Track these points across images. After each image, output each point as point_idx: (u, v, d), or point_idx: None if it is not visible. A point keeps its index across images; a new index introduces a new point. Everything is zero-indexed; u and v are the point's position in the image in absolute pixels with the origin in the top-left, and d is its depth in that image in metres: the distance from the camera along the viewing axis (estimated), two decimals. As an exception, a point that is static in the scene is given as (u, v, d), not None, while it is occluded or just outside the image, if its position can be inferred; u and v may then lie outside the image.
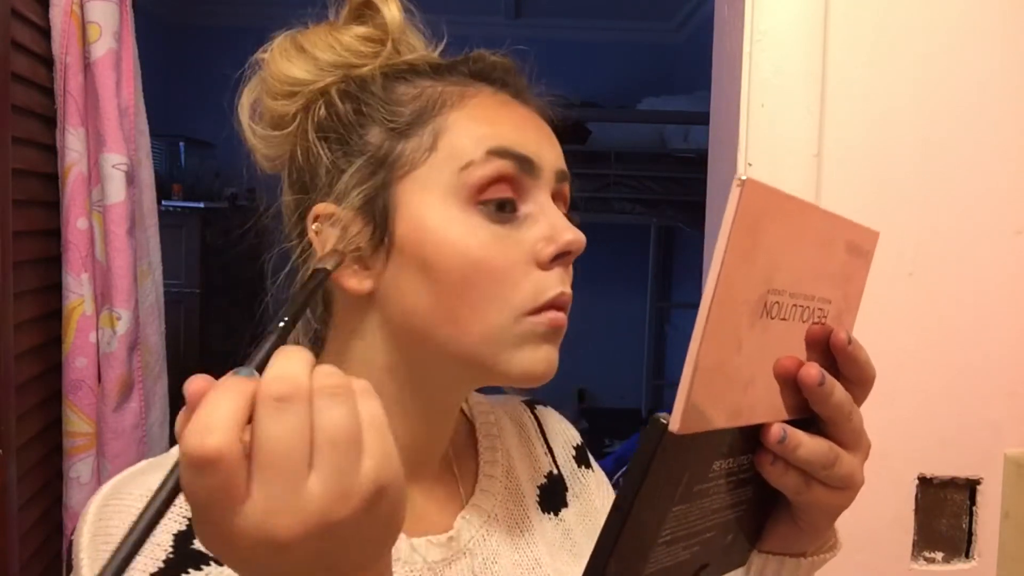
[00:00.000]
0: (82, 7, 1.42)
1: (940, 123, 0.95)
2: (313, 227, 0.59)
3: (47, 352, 1.45)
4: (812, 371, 0.48)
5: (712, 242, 1.05)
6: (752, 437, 0.48)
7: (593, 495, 0.75)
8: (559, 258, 0.57)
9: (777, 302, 0.46)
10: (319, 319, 0.65)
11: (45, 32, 1.41)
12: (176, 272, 2.89)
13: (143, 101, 1.57)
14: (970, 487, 0.98)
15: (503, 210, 0.57)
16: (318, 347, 0.64)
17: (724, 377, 0.43)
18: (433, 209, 0.57)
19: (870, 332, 0.96)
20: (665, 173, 3.39)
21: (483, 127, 0.58)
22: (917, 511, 0.98)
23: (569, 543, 0.70)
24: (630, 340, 4.19)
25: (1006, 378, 0.97)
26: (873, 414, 0.96)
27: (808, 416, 0.50)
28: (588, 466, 0.76)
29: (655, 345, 4.20)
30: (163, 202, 2.81)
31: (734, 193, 0.41)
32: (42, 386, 1.44)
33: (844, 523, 0.92)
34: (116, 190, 1.43)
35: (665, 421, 0.42)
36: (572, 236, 0.57)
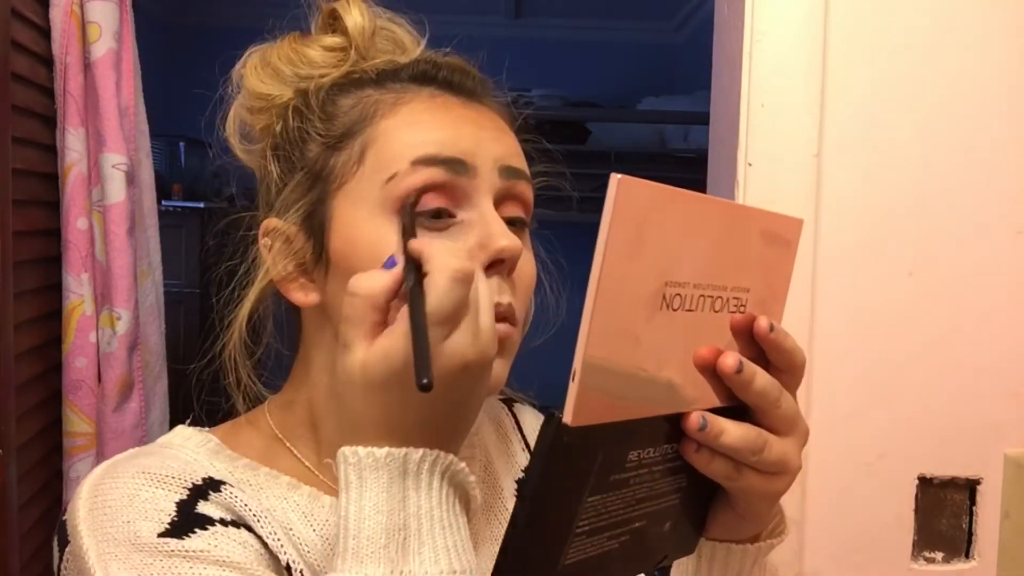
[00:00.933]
0: (82, 7, 1.42)
1: (939, 123, 0.95)
2: (263, 241, 0.60)
3: (47, 352, 1.45)
4: (728, 360, 0.48)
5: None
6: (679, 425, 0.49)
7: None
8: (493, 266, 0.55)
9: (679, 294, 0.46)
10: (269, 334, 0.65)
11: (45, 32, 1.41)
12: (176, 272, 2.89)
13: (143, 101, 1.57)
14: (970, 487, 0.98)
15: (437, 218, 0.55)
16: (276, 363, 0.65)
17: (621, 369, 0.44)
18: (362, 223, 0.56)
19: (870, 332, 0.96)
20: (665, 173, 3.38)
21: (410, 135, 0.56)
22: (917, 511, 0.98)
23: None
24: (630, 340, 4.18)
25: (1006, 378, 0.97)
26: (873, 414, 0.96)
27: (739, 404, 0.51)
28: None
29: (655, 345, 4.20)
30: (163, 202, 2.81)
31: (609, 191, 0.42)
32: (42, 386, 1.44)
33: (844, 523, 0.92)
34: (116, 190, 1.43)
35: (559, 415, 0.43)
36: (506, 243, 0.54)
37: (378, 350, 0.46)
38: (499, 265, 0.55)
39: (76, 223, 1.43)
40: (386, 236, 0.55)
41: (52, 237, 1.45)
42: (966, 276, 0.96)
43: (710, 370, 0.49)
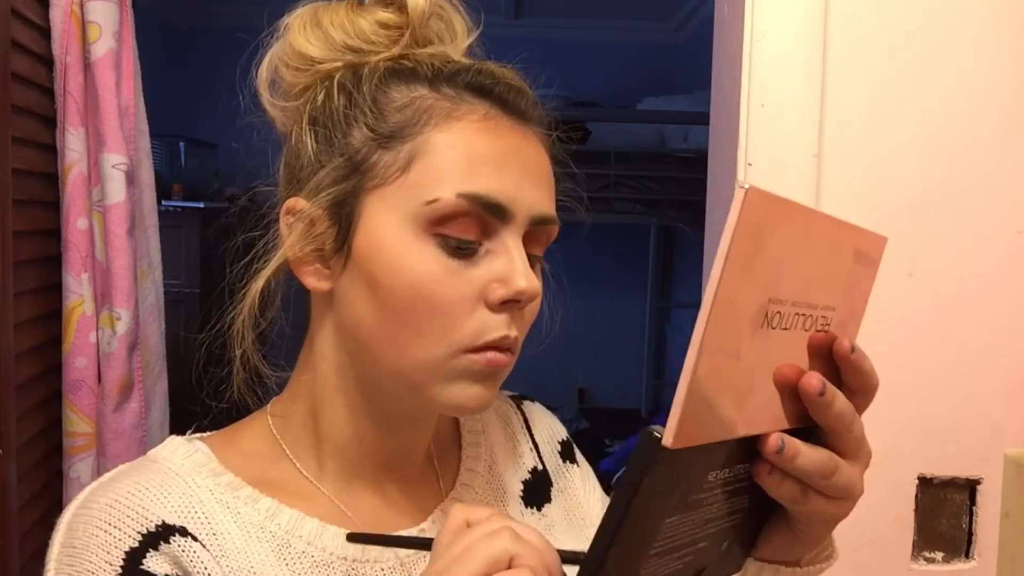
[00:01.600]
0: (82, 7, 1.42)
1: (940, 123, 0.95)
2: (285, 219, 0.59)
3: (47, 352, 1.45)
4: (813, 380, 0.47)
5: (712, 243, 1.05)
6: (750, 446, 0.48)
7: (578, 490, 0.74)
8: (508, 303, 0.56)
9: (779, 311, 0.45)
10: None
11: (45, 32, 1.41)
12: (176, 272, 2.89)
13: (143, 101, 1.57)
14: (970, 487, 0.98)
15: (464, 244, 0.56)
16: (279, 342, 0.66)
17: (721, 389, 0.42)
18: (392, 230, 0.56)
19: (870, 332, 0.96)
20: (665, 173, 3.39)
21: (460, 163, 0.55)
22: (917, 511, 0.98)
23: (551, 538, 0.69)
24: (630, 340, 4.19)
25: (1006, 378, 0.97)
26: (873, 414, 0.96)
27: (809, 425, 0.49)
28: (573, 461, 0.76)
29: (655, 345, 4.21)
30: (163, 202, 2.81)
31: (736, 201, 0.40)
32: (42, 386, 1.44)
33: (844, 523, 0.91)
34: (116, 190, 1.43)
35: (659, 435, 0.41)
36: (525, 285, 0.55)
37: None
38: (514, 304, 0.56)
39: (76, 223, 1.43)
40: (409, 252, 0.55)
41: (52, 237, 1.45)
42: (966, 276, 0.96)
43: (785, 389, 0.47)
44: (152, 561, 0.53)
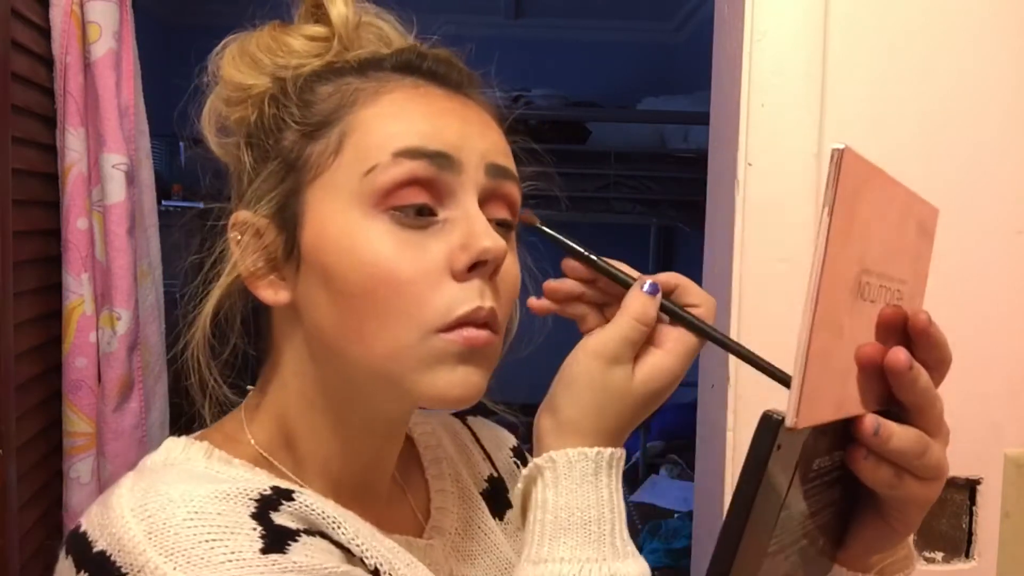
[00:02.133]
0: (82, 7, 1.42)
1: (940, 123, 0.95)
2: (232, 235, 0.56)
3: (47, 352, 1.45)
4: (901, 356, 0.45)
5: (713, 243, 1.05)
6: (843, 432, 0.45)
7: None
8: (476, 268, 0.52)
9: (868, 282, 0.43)
10: (239, 334, 0.61)
11: (45, 32, 1.41)
12: (176, 272, 2.89)
13: (143, 101, 1.57)
14: (970, 487, 0.98)
15: (419, 215, 0.52)
16: (243, 365, 0.61)
17: (829, 365, 0.40)
18: (337, 215, 0.52)
19: (870, 332, 0.96)
20: (665, 173, 3.38)
21: (392, 125, 0.53)
22: (917, 511, 0.98)
23: (515, 541, 0.68)
24: (630, 340, 4.18)
25: (1006, 378, 0.97)
26: (873, 414, 0.96)
27: (887, 407, 0.47)
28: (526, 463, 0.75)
29: (655, 345, 4.20)
30: (163, 202, 2.81)
31: (832, 164, 0.38)
32: (42, 386, 1.44)
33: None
34: (116, 190, 1.43)
35: (779, 417, 0.39)
36: (490, 243, 0.51)
37: (652, 369, 0.54)
38: (482, 267, 0.52)
39: (76, 223, 1.43)
40: (359, 232, 0.52)
41: (52, 237, 1.45)
42: (966, 276, 0.96)
43: (867, 368, 0.44)
44: (280, 518, 0.49)
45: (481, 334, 0.52)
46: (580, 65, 4.01)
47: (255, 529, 0.47)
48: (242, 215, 0.57)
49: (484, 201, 0.54)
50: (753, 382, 0.96)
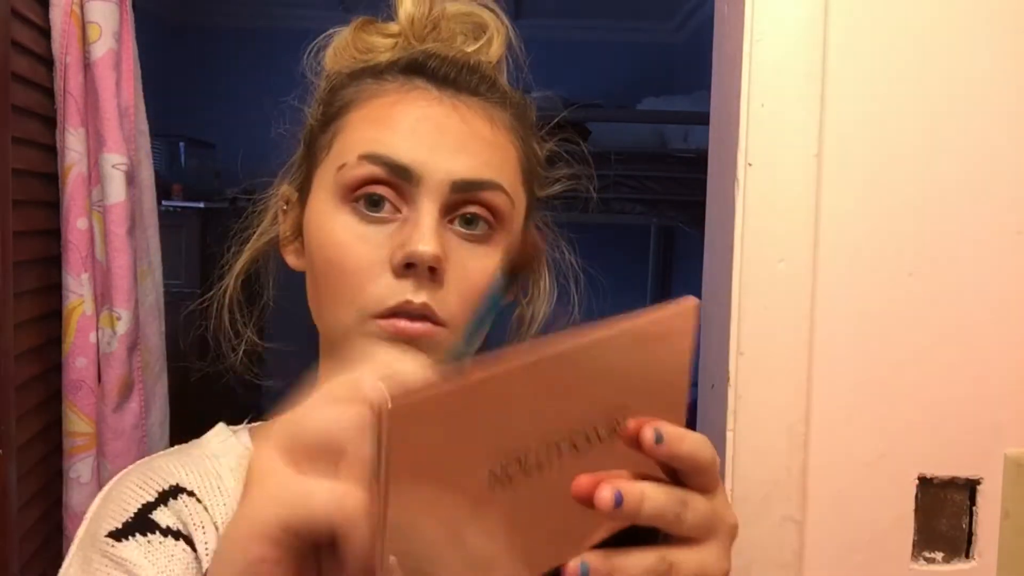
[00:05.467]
0: (82, 7, 1.42)
1: (940, 123, 0.95)
2: (279, 206, 0.66)
3: (47, 352, 1.45)
4: (604, 494, 0.37)
5: (713, 243, 1.05)
6: None
7: None
8: (409, 267, 0.55)
9: (519, 459, 0.37)
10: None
11: (45, 32, 1.41)
12: (176, 272, 2.89)
13: (143, 101, 1.57)
14: (970, 487, 0.98)
15: (376, 209, 0.57)
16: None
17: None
18: (319, 203, 0.60)
19: (870, 332, 0.96)
20: (665, 173, 3.38)
21: (368, 130, 0.58)
22: (917, 511, 0.98)
23: None
24: (630, 340, 4.18)
25: (1006, 378, 0.97)
26: (873, 414, 0.96)
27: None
28: None
29: (655, 345, 4.20)
30: (163, 202, 2.81)
31: (372, 424, 0.32)
32: (42, 386, 1.44)
33: (844, 523, 0.92)
34: (116, 190, 1.43)
35: None
36: (422, 248, 0.54)
37: None
38: (413, 268, 0.55)
39: (76, 223, 1.43)
40: (327, 221, 0.58)
41: (52, 237, 1.45)
42: (966, 276, 0.96)
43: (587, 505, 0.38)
44: (160, 514, 0.59)
45: (414, 325, 0.56)
46: (580, 65, 4.01)
47: (129, 515, 0.58)
48: (284, 188, 0.66)
49: (453, 207, 0.58)
50: (753, 382, 0.96)
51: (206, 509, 0.61)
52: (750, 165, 0.94)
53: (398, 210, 0.57)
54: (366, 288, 0.56)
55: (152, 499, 0.60)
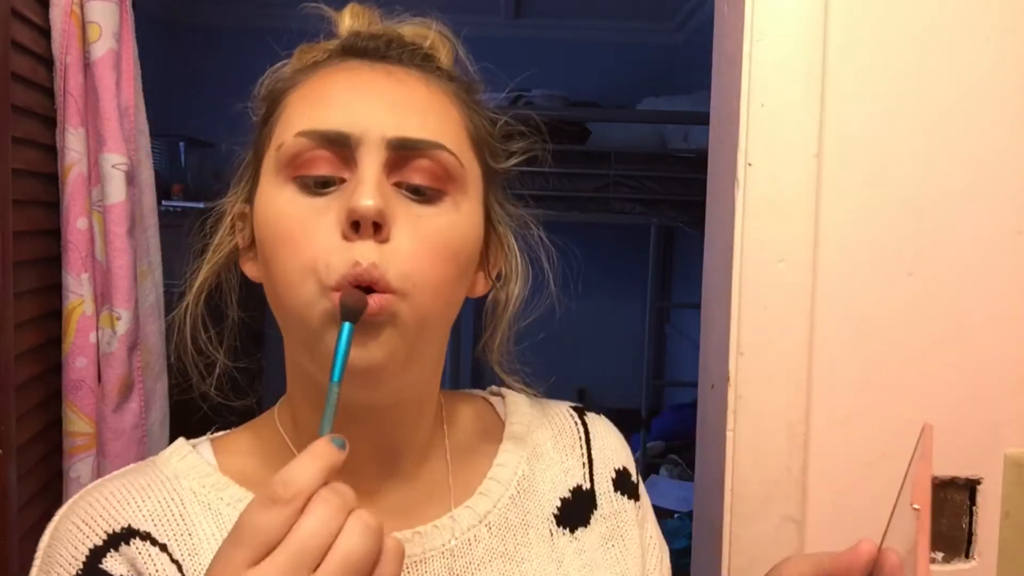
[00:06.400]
0: (82, 7, 1.42)
1: (940, 123, 0.95)
2: (229, 221, 0.64)
3: (47, 352, 1.45)
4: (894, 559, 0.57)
5: (713, 243, 1.05)
6: None
7: (629, 527, 0.69)
8: (357, 228, 0.53)
9: None
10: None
11: (45, 32, 1.41)
12: (176, 272, 2.89)
13: (143, 101, 1.57)
14: (970, 487, 0.98)
15: (320, 181, 0.55)
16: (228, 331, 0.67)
17: None
18: (263, 190, 0.58)
19: (870, 332, 0.96)
20: (665, 173, 3.38)
21: (303, 108, 0.58)
22: (917, 511, 0.98)
23: (579, 563, 0.65)
24: (630, 340, 4.19)
25: (1006, 378, 0.97)
26: (873, 414, 0.96)
27: None
28: (630, 495, 0.70)
29: (655, 345, 4.20)
30: (163, 202, 2.81)
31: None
32: (42, 386, 1.44)
33: (844, 523, 0.92)
34: (116, 190, 1.43)
35: None
36: (364, 203, 0.52)
37: None
38: (360, 227, 0.53)
39: (76, 223, 1.43)
40: (271, 201, 0.57)
41: (52, 237, 1.45)
42: (966, 276, 0.96)
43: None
44: (111, 561, 0.56)
45: (374, 298, 0.52)
46: (580, 65, 4.01)
47: (79, 565, 0.56)
48: (238, 207, 0.64)
49: (395, 167, 0.56)
50: (753, 382, 0.96)
51: (164, 549, 0.57)
52: (750, 165, 0.94)
53: (342, 180, 0.56)
54: (319, 259, 0.53)
55: (100, 543, 0.56)
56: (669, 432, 3.63)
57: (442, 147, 0.57)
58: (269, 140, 0.59)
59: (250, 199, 0.61)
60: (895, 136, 0.95)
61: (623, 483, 0.70)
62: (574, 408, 0.73)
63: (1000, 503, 0.98)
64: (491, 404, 0.72)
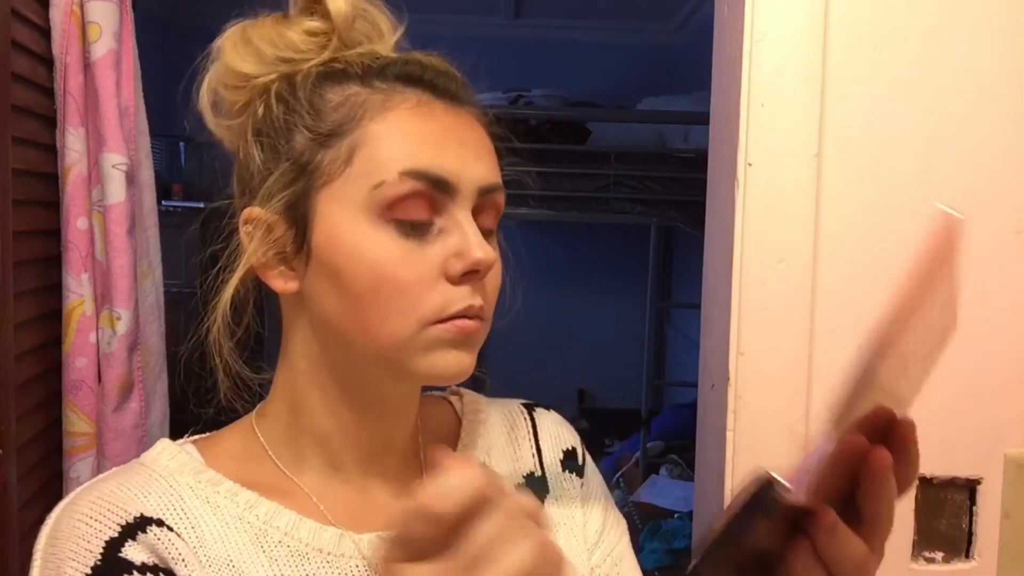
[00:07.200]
0: (82, 7, 1.42)
1: (940, 123, 0.95)
2: (244, 229, 0.62)
3: (47, 352, 1.45)
4: (887, 457, 0.47)
5: (714, 241, 1.05)
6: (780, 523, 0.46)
7: (575, 505, 0.73)
8: (468, 275, 0.58)
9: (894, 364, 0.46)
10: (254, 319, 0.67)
11: (45, 32, 1.41)
12: (176, 272, 2.89)
13: (143, 101, 1.57)
14: (970, 487, 0.98)
15: (418, 223, 0.58)
16: (257, 346, 0.67)
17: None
18: (346, 223, 0.58)
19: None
20: (665, 173, 3.38)
21: (400, 145, 0.58)
22: (917, 511, 0.98)
23: None
24: (630, 340, 4.18)
25: (1006, 378, 0.97)
26: (873, 414, 0.96)
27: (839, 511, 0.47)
28: (575, 471, 0.74)
29: (655, 345, 4.20)
30: (163, 202, 2.81)
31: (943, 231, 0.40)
32: (42, 386, 1.44)
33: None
34: (116, 190, 1.43)
35: (777, 483, 0.41)
36: (481, 255, 0.58)
37: None
38: (474, 275, 0.59)
39: (76, 223, 1.43)
40: (367, 239, 0.58)
41: (52, 237, 1.45)
42: (966, 276, 0.96)
43: (846, 460, 0.47)
44: (130, 550, 0.56)
45: (471, 323, 0.59)
46: (580, 65, 4.01)
47: (96, 556, 0.55)
48: (255, 211, 0.62)
49: (476, 212, 0.60)
50: (753, 382, 0.96)
51: (180, 537, 0.58)
52: (750, 165, 0.94)
53: (431, 222, 0.59)
54: (425, 300, 0.57)
55: (115, 534, 0.56)
56: (669, 432, 3.63)
57: (503, 189, 0.63)
58: (346, 165, 0.59)
59: (294, 216, 0.60)
60: (895, 136, 0.95)
61: (569, 462, 0.75)
62: (524, 404, 0.78)
63: (1000, 503, 0.98)
64: (450, 403, 0.76)
